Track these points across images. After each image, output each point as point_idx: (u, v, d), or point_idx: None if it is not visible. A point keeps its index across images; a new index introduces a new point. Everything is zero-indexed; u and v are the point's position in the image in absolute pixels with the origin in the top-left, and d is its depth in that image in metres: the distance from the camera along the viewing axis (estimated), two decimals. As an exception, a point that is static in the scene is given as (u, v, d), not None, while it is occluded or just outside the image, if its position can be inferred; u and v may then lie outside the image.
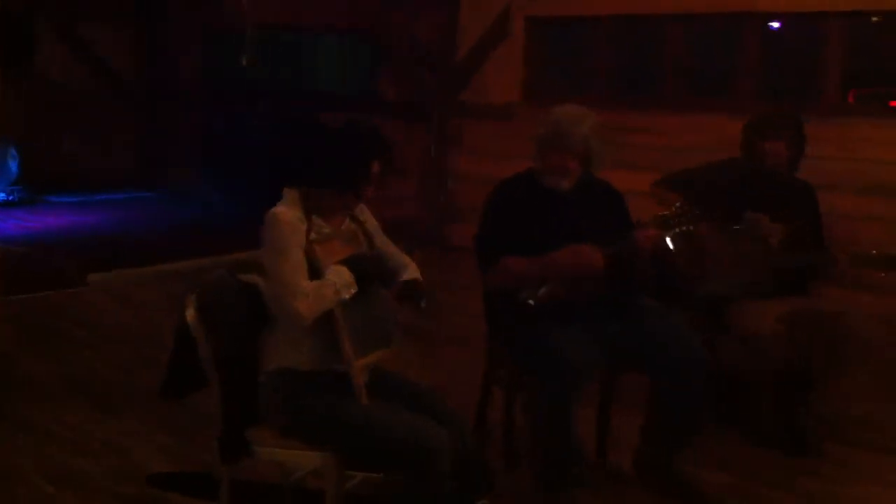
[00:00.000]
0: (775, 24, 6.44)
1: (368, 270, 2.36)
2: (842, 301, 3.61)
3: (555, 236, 2.82)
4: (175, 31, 9.29)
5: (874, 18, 5.91)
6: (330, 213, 2.44)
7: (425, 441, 2.18)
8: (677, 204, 2.90)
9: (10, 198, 8.06)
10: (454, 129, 7.34)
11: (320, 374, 2.34)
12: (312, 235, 2.36)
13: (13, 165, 8.13)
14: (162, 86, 9.33)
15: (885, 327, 4.40)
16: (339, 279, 2.28)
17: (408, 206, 7.22)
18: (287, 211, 2.36)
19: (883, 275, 3.33)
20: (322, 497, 2.34)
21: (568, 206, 2.92)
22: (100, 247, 6.55)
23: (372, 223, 2.58)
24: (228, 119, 8.81)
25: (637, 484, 2.99)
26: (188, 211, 8.35)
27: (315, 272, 2.30)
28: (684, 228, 2.89)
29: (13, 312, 4.87)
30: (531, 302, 2.77)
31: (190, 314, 2.32)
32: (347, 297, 2.29)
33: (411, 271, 2.53)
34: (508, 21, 6.97)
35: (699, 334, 3.02)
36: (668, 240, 2.90)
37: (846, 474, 3.20)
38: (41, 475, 2.98)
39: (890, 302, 5.03)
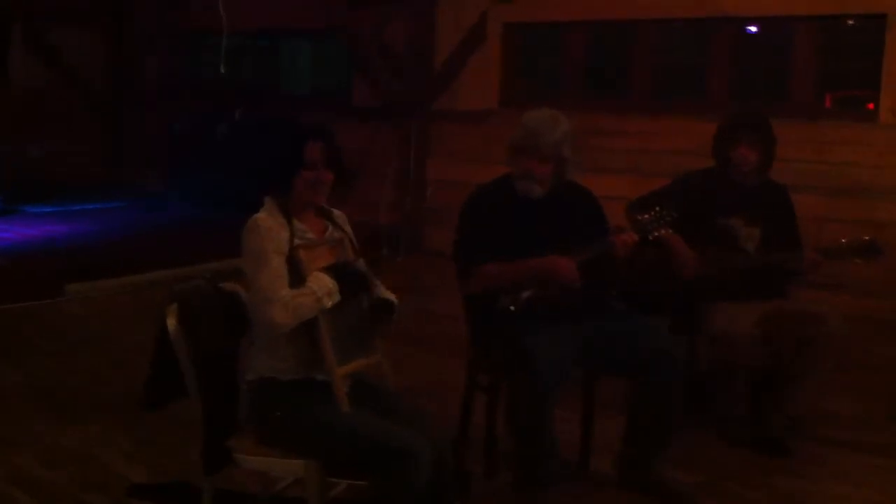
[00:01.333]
0: (753, 28, 6.51)
1: (352, 279, 2.34)
2: (819, 302, 3.65)
3: (530, 242, 2.83)
4: (146, 34, 9.22)
5: (850, 21, 5.98)
6: (301, 212, 2.41)
7: (405, 448, 2.18)
8: (656, 208, 2.94)
9: None
10: (432, 135, 7.36)
11: (301, 382, 2.34)
12: (296, 240, 2.34)
13: None
14: (131, 90, 9.25)
15: (864, 327, 4.46)
16: (320, 287, 2.26)
17: (384, 211, 7.22)
18: (267, 217, 2.35)
19: (859, 261, 3.36)
20: (305, 505, 2.34)
21: (543, 211, 2.92)
22: (78, 257, 6.48)
23: (351, 235, 2.54)
24: (196, 124, 8.73)
25: (619, 486, 3.01)
26: (163, 218, 8.28)
27: (298, 277, 2.28)
28: (662, 232, 2.94)
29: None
30: (512, 308, 2.78)
31: (171, 323, 2.31)
32: (330, 304, 2.28)
33: (385, 290, 2.49)
34: (485, 27, 7.01)
35: (676, 336, 3.06)
36: (644, 243, 2.94)
37: (820, 472, 3.24)
38: (9, 484, 2.96)
39: (866, 302, 5.12)
